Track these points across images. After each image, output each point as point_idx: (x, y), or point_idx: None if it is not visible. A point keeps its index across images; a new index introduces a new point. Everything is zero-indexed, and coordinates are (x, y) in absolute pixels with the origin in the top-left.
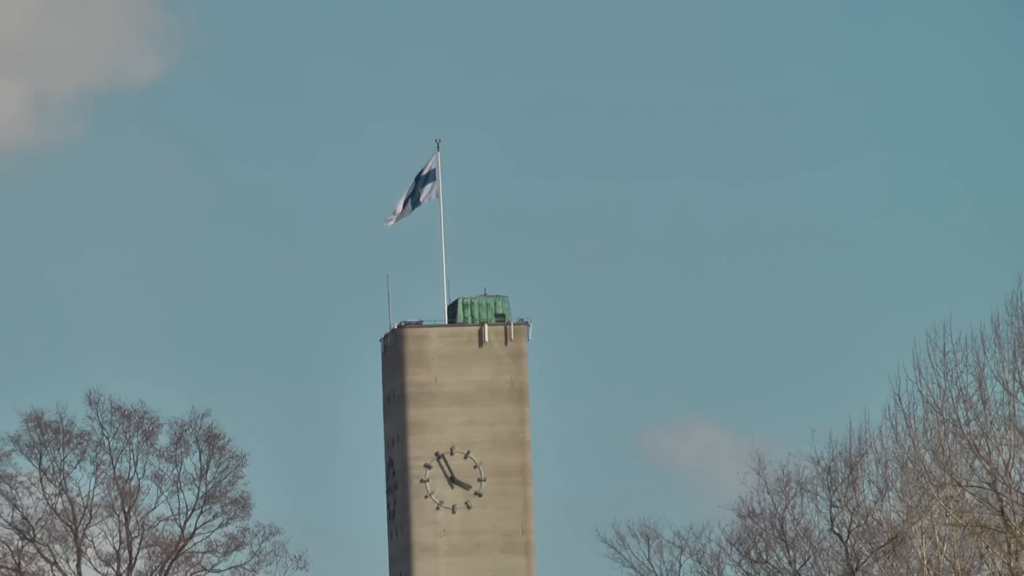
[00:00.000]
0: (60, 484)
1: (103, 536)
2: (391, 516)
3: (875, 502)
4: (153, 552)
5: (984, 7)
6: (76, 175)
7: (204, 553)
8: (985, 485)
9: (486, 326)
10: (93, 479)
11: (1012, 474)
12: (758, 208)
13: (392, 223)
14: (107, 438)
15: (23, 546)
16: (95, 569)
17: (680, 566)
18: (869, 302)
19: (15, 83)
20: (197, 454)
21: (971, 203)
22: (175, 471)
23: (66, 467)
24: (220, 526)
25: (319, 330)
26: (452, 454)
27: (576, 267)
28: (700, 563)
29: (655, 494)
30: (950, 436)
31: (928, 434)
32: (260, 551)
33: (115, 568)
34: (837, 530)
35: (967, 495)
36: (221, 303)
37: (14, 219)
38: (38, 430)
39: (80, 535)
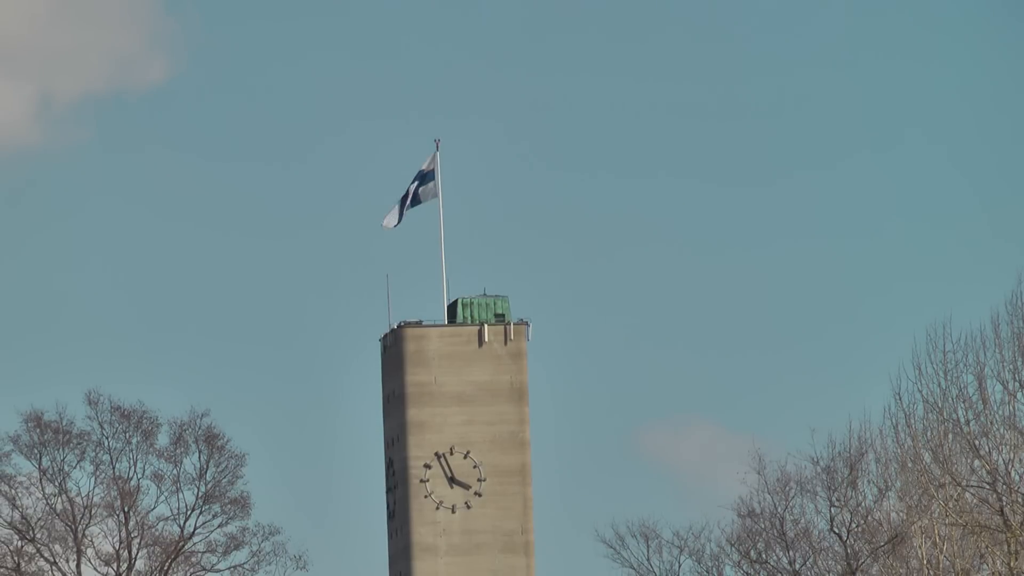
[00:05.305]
0: (60, 484)
1: (103, 536)
2: (391, 516)
3: (875, 502)
4: (153, 552)
5: (985, 5)
6: (80, 177)
7: (204, 553)
8: (985, 485)
9: (486, 326)
10: (93, 479)
11: (1012, 474)
12: (758, 207)
13: (388, 223)
14: (107, 438)
15: (23, 546)
16: (95, 569)
17: (679, 566)
18: (869, 301)
19: (20, 85)
20: (196, 454)
21: (971, 203)
22: (175, 471)
23: (66, 467)
24: (220, 526)
25: (319, 330)
26: (452, 454)
27: (576, 267)
28: (700, 563)
29: (654, 494)
30: (950, 436)
31: (928, 434)
32: (260, 551)
33: (115, 568)
34: (837, 530)
35: (967, 495)
36: (221, 303)
37: (17, 220)
38: (38, 430)
39: (80, 535)
